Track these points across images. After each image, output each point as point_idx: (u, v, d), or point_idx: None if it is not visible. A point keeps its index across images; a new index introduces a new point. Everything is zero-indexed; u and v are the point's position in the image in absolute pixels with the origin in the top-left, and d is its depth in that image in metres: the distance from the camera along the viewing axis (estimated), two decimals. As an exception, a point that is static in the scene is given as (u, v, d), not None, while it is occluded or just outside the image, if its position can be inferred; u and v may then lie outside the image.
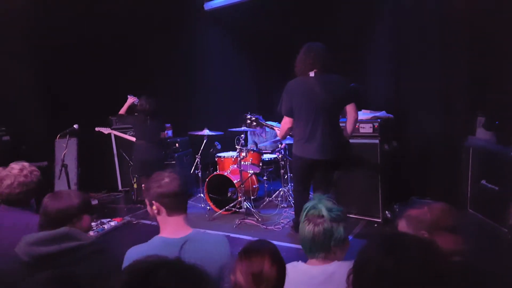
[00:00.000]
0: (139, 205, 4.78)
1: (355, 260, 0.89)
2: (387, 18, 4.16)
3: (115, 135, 5.20)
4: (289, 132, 3.10)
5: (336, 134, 2.96)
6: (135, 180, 4.87)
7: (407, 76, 4.04)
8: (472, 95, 3.49)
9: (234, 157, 4.39)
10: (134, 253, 1.39)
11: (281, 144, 4.30)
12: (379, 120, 3.58)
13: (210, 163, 5.00)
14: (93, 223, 3.61)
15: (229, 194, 4.48)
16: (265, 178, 4.49)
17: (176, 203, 1.44)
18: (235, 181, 4.08)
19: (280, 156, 4.27)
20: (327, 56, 2.88)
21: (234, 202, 4.13)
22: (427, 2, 3.72)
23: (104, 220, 3.86)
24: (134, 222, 4.22)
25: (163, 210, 1.44)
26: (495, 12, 3.13)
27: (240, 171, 4.00)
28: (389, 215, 3.55)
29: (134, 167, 4.58)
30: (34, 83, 4.71)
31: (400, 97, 4.12)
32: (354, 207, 3.66)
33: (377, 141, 3.54)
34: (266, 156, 4.44)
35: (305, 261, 1.41)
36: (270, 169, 4.49)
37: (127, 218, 4.33)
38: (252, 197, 4.23)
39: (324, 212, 1.34)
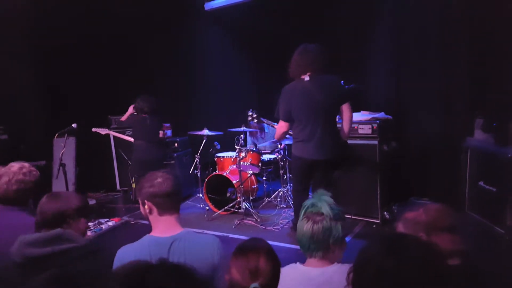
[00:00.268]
0: (137, 205, 4.76)
1: (356, 259, 0.89)
2: (387, 18, 4.16)
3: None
4: (285, 136, 3.15)
5: (334, 134, 2.99)
6: (133, 180, 4.86)
7: (407, 76, 4.04)
8: (471, 96, 3.50)
9: (234, 157, 4.39)
10: (124, 252, 1.40)
11: (280, 144, 4.30)
12: (378, 121, 3.58)
13: (210, 163, 5.00)
14: (90, 223, 3.60)
15: (228, 194, 4.47)
16: (264, 178, 4.49)
17: (168, 203, 1.45)
18: (234, 181, 4.08)
19: (279, 156, 4.27)
20: (322, 57, 2.90)
21: (233, 203, 4.13)
22: (427, 2, 3.73)
23: (102, 220, 3.85)
24: (132, 222, 4.22)
25: (154, 209, 1.45)
26: (495, 12, 3.14)
27: (239, 171, 4.00)
28: (387, 216, 3.55)
29: (133, 167, 4.57)
30: (33, 82, 4.70)
31: (399, 98, 4.12)
32: (352, 207, 3.66)
33: (376, 142, 3.55)
34: (266, 157, 4.44)
35: (303, 262, 1.41)
36: (270, 169, 4.49)
37: (125, 218, 4.32)
38: (251, 198, 4.23)
39: (324, 209, 1.34)
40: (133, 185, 4.93)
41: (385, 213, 3.57)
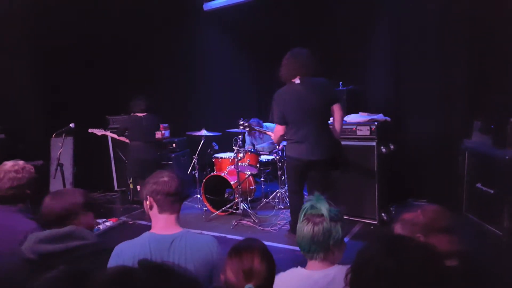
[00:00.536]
0: (135, 205, 4.75)
1: (354, 260, 0.89)
2: (387, 19, 4.18)
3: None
4: (282, 139, 3.21)
5: (328, 134, 3.07)
6: (131, 180, 4.84)
7: (405, 78, 4.05)
8: (469, 98, 3.51)
9: (232, 158, 4.39)
10: (123, 249, 1.40)
11: (279, 145, 4.30)
12: (376, 122, 3.59)
13: (207, 163, 4.99)
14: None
15: (226, 195, 4.46)
16: (262, 179, 4.48)
17: (168, 203, 1.47)
18: (232, 182, 4.07)
19: (277, 157, 4.26)
20: (310, 61, 3.02)
21: (231, 203, 4.12)
22: (427, 2, 3.74)
23: (100, 220, 3.83)
24: (130, 222, 4.20)
25: (155, 206, 1.48)
26: (494, 12, 3.15)
27: (238, 172, 3.99)
28: (385, 217, 3.55)
29: (129, 168, 4.54)
30: (31, 82, 4.68)
31: (398, 99, 4.13)
32: (350, 209, 3.66)
33: (374, 143, 3.55)
34: (264, 158, 4.43)
35: (302, 264, 1.40)
36: (267, 170, 4.49)
37: (123, 218, 4.30)
38: (249, 198, 4.23)
39: (324, 211, 1.34)
40: (131, 186, 4.92)
41: (383, 214, 3.57)
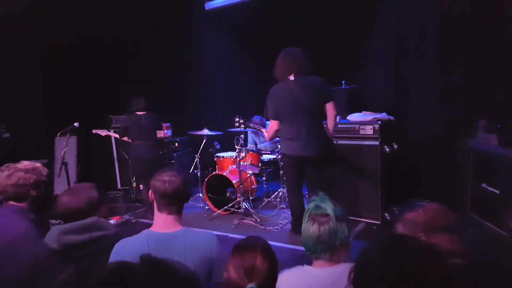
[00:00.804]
0: (138, 204, 4.77)
1: (357, 259, 0.89)
2: (387, 18, 4.15)
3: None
4: (276, 134, 3.27)
5: (320, 131, 3.11)
6: (134, 179, 4.86)
7: (408, 77, 4.03)
8: (472, 97, 3.47)
9: (233, 157, 4.38)
10: (122, 246, 1.41)
11: (280, 144, 4.29)
12: (379, 122, 3.57)
13: (209, 163, 4.99)
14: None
15: (228, 194, 4.47)
16: (264, 178, 4.48)
17: (164, 203, 1.48)
18: (234, 181, 4.07)
19: (279, 156, 4.25)
20: (304, 60, 3.09)
21: (233, 202, 4.12)
22: (427, 2, 3.72)
23: (103, 219, 3.84)
24: (133, 221, 4.22)
25: (155, 203, 1.51)
26: (495, 12, 3.12)
27: (239, 171, 3.99)
28: (388, 217, 3.54)
29: (131, 167, 4.56)
30: (34, 82, 4.70)
31: (401, 99, 4.10)
32: (353, 208, 3.65)
33: (377, 142, 3.53)
34: (265, 157, 4.43)
35: (306, 264, 1.39)
36: (269, 169, 4.48)
37: (125, 216, 4.33)
38: (251, 198, 4.22)
39: (329, 211, 1.33)
40: (134, 184, 4.93)
41: (385, 214, 3.55)
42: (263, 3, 5.00)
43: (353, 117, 3.81)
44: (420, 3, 3.75)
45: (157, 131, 4.50)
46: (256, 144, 5.01)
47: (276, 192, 4.44)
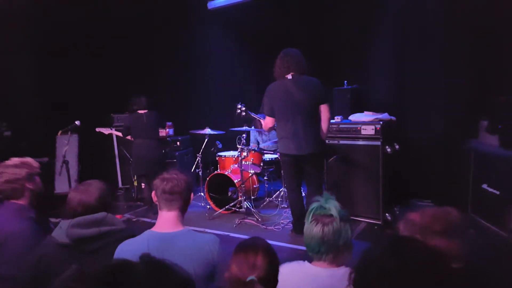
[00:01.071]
0: (139, 202, 4.78)
1: (358, 260, 0.89)
2: (389, 18, 4.15)
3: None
4: (273, 129, 3.39)
5: (314, 131, 3.16)
6: (135, 178, 4.86)
7: (409, 77, 4.02)
8: (474, 97, 3.46)
9: (235, 156, 4.39)
10: (124, 247, 1.42)
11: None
12: (381, 122, 3.56)
13: (211, 162, 4.99)
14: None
15: (229, 194, 4.47)
16: (265, 178, 4.48)
17: (164, 201, 1.49)
18: (235, 181, 4.07)
19: (281, 156, 4.26)
20: (302, 60, 3.16)
21: (234, 202, 4.13)
22: (429, 2, 3.71)
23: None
24: (134, 219, 4.23)
25: (157, 201, 1.52)
26: (497, 12, 3.11)
27: (241, 171, 3.99)
28: (389, 218, 3.53)
29: (133, 165, 4.56)
30: (35, 81, 4.71)
31: (402, 99, 4.10)
32: (354, 208, 3.65)
33: (379, 143, 3.53)
34: (267, 156, 4.43)
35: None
36: (271, 169, 4.48)
37: (127, 215, 4.34)
38: (252, 197, 4.23)
39: (334, 211, 1.32)
40: (135, 183, 4.94)
41: (387, 214, 3.55)
42: (266, 3, 5.00)
43: (355, 117, 3.81)
44: (423, 3, 3.74)
45: (160, 130, 4.50)
46: (258, 143, 5.01)
47: (278, 192, 4.44)
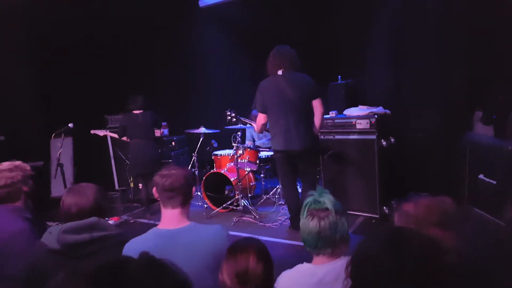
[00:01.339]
0: (136, 204, 4.75)
1: (354, 252, 0.88)
2: (387, 14, 4.13)
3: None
4: (264, 128, 3.37)
5: (306, 126, 3.16)
6: (131, 179, 4.83)
7: (404, 70, 4.02)
8: (470, 89, 3.48)
9: (231, 155, 4.37)
10: (131, 245, 1.42)
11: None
12: (376, 115, 3.56)
13: (207, 161, 4.98)
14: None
15: (226, 192, 4.45)
16: (262, 175, 4.47)
17: (165, 198, 1.48)
18: (232, 179, 4.06)
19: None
20: (294, 57, 3.19)
21: (232, 200, 4.11)
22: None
23: (101, 220, 3.82)
24: (131, 221, 4.20)
25: (159, 199, 1.52)
26: (493, 10, 3.12)
27: (237, 169, 3.98)
28: (387, 211, 3.54)
29: (130, 166, 4.53)
30: (30, 83, 4.66)
31: (398, 92, 4.10)
32: (351, 202, 3.65)
33: (374, 136, 3.53)
34: (263, 154, 4.42)
35: (306, 259, 1.38)
36: (267, 166, 4.47)
37: (124, 217, 4.31)
38: (249, 195, 4.22)
39: (329, 204, 1.31)
40: (131, 184, 4.91)
41: (384, 208, 3.56)
42: (258, 0, 4.97)
43: (350, 111, 3.80)
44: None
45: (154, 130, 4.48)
46: (254, 141, 5.00)
47: (275, 189, 4.43)
